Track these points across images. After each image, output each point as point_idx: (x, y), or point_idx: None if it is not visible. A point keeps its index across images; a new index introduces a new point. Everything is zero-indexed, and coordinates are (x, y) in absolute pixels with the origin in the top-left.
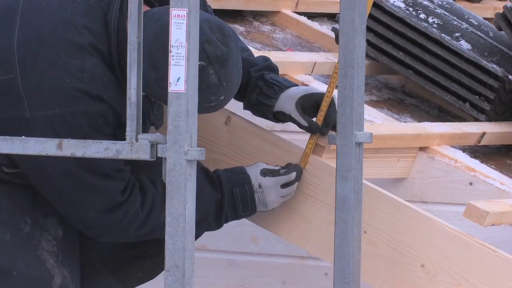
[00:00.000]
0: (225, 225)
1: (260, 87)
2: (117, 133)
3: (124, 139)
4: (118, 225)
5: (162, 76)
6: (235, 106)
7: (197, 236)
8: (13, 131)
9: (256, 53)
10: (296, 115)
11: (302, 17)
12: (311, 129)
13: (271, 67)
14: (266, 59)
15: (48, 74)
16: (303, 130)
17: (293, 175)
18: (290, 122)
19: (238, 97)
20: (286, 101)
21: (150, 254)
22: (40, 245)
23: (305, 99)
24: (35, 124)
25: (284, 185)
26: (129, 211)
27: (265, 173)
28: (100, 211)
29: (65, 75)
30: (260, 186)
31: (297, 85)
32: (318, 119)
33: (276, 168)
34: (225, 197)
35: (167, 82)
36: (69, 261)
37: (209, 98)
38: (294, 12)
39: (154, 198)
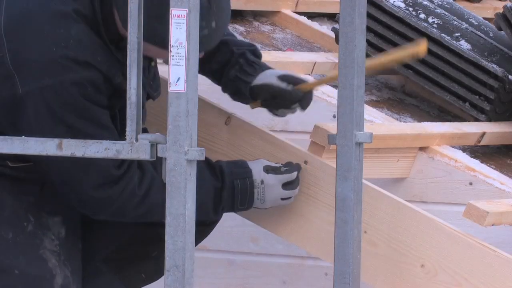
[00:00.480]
0: (225, 225)
1: (240, 64)
2: (114, 103)
3: (122, 107)
4: (114, 202)
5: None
6: (235, 106)
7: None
8: (9, 110)
9: None
10: (277, 83)
11: (302, 17)
12: (291, 95)
13: (255, 52)
14: (252, 44)
15: (35, 46)
16: (303, 130)
17: (295, 174)
18: (289, 122)
19: (215, 78)
20: (266, 76)
21: (154, 255)
22: (43, 244)
23: (285, 77)
24: (28, 99)
25: (285, 186)
26: (126, 189)
27: (267, 170)
28: (95, 186)
29: (51, 44)
30: (262, 182)
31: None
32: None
33: (278, 165)
34: (226, 188)
35: (159, 11)
36: (71, 260)
37: (200, 24)
38: (294, 12)
39: (152, 178)
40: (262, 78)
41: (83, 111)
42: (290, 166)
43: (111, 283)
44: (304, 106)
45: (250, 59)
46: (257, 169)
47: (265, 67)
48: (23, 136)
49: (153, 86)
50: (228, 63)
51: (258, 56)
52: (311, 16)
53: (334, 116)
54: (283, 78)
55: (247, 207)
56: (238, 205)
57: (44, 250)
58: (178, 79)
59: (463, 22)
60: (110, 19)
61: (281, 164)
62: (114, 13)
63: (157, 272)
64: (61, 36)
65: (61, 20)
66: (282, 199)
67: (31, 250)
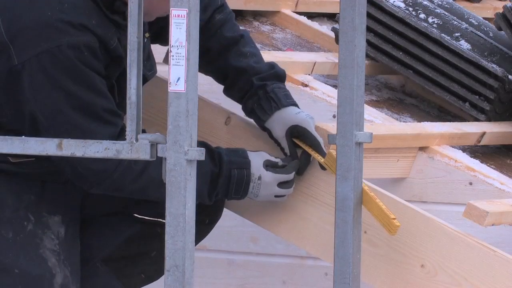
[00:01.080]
0: (225, 225)
1: (259, 97)
2: (111, 72)
3: (119, 77)
4: (110, 176)
5: None
6: (235, 106)
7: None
8: (5, 84)
9: None
10: (284, 143)
11: (302, 17)
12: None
13: (277, 75)
14: (272, 66)
15: (29, 12)
16: None
17: (292, 175)
18: None
19: (235, 99)
20: (278, 125)
21: (153, 255)
22: (43, 243)
23: (295, 129)
24: (25, 69)
25: (281, 184)
26: (122, 161)
27: (267, 165)
28: (92, 158)
29: (45, 9)
30: (259, 178)
31: (295, 103)
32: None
33: (277, 160)
34: (222, 176)
35: None
36: (70, 260)
37: None
38: (294, 12)
39: None
40: (274, 126)
41: (80, 76)
42: (289, 164)
43: (110, 283)
44: (299, 172)
45: (269, 92)
46: (257, 163)
47: (281, 105)
48: (23, 136)
49: (147, 65)
50: (247, 92)
51: (280, 76)
52: (311, 16)
53: (334, 116)
54: (294, 132)
55: (241, 197)
56: (233, 193)
57: (44, 250)
58: (178, 79)
59: (463, 22)
60: None
61: (280, 159)
62: None
63: (157, 271)
64: (55, 0)
65: None
66: (276, 196)
67: (31, 249)
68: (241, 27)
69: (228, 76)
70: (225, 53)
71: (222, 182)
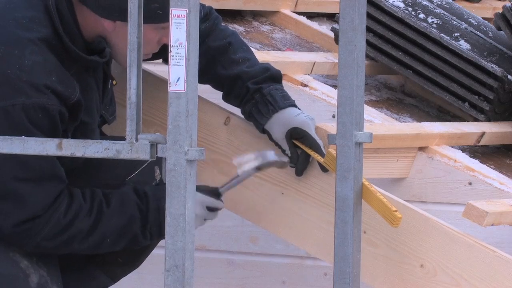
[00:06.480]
0: (224, 225)
1: (256, 100)
2: (70, 122)
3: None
4: (37, 235)
5: None
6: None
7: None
8: None
9: (256, 53)
10: (284, 145)
11: (302, 17)
12: (291, 161)
13: (272, 77)
14: (266, 68)
15: None
16: None
17: (221, 204)
18: None
19: (235, 105)
20: (277, 127)
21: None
22: (11, 247)
23: (295, 131)
24: None
25: (210, 209)
26: (50, 221)
27: (201, 189)
28: (16, 223)
29: (5, 66)
30: None
31: (293, 104)
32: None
33: (213, 187)
34: (151, 210)
35: None
36: (45, 261)
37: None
38: (293, 12)
39: (80, 206)
40: (273, 129)
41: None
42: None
43: (96, 275)
44: (297, 173)
45: (265, 95)
46: None
47: (278, 107)
48: (23, 136)
49: (109, 110)
50: (244, 97)
51: (276, 78)
52: (310, 16)
53: (333, 116)
54: (294, 134)
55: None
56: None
57: (14, 253)
58: (178, 79)
59: (463, 22)
60: (72, 27)
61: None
62: (81, 15)
63: (134, 256)
64: (15, 57)
65: (16, 42)
66: (205, 219)
67: (0, 252)
68: (240, 27)
69: (223, 85)
70: (214, 63)
71: (152, 217)
